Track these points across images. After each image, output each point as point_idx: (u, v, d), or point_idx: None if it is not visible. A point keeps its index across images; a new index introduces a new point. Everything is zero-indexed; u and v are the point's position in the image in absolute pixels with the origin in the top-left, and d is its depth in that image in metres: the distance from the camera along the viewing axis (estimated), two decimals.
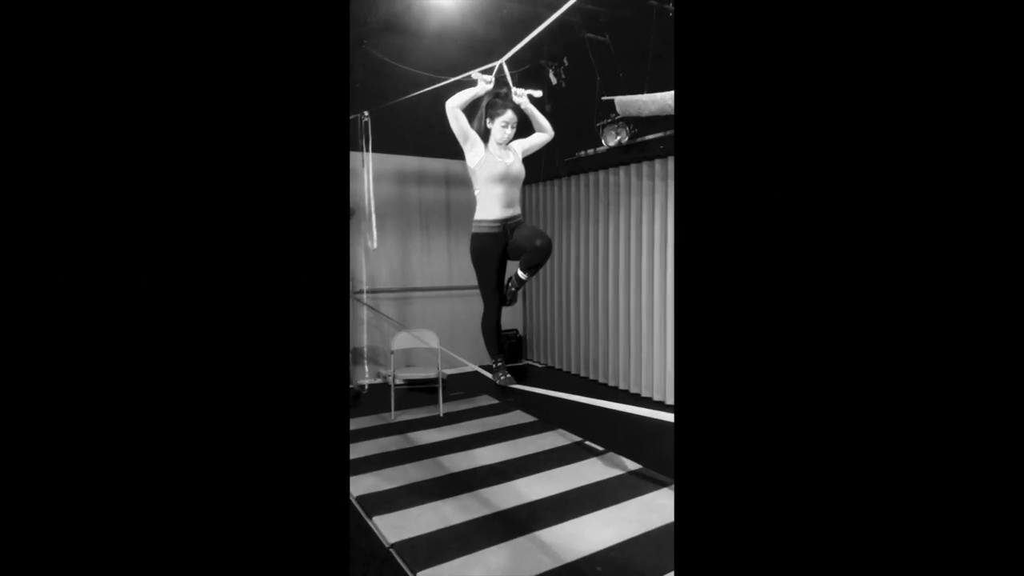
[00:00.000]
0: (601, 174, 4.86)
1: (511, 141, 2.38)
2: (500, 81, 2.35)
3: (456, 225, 5.48)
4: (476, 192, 2.38)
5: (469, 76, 2.37)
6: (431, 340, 4.35)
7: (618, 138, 4.27)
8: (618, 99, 3.92)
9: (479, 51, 3.32)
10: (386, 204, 5.04)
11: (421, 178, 5.37)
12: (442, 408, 4.27)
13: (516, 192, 2.40)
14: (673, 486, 2.93)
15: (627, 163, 4.55)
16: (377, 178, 4.61)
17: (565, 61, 4.70)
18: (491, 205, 2.34)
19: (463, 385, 4.92)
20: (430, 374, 4.53)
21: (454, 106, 2.22)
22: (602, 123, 4.35)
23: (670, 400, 4.33)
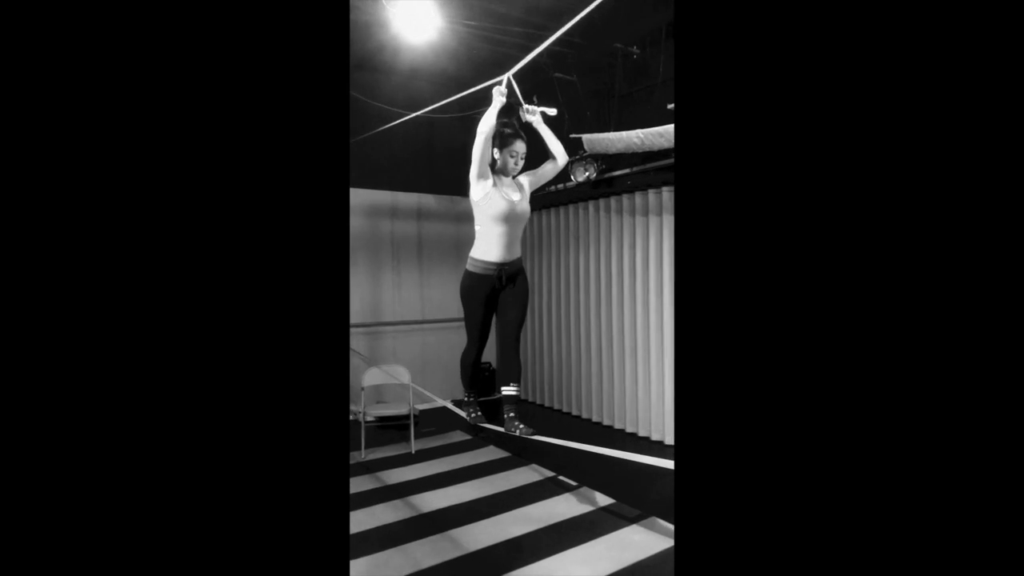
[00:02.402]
0: (571, 208, 4.94)
1: (519, 174, 2.26)
2: (512, 104, 2.16)
3: (428, 259, 5.46)
4: (477, 228, 2.25)
5: (490, 88, 2.19)
6: (402, 375, 4.28)
7: (587, 174, 4.36)
8: (586, 137, 4.02)
9: (451, 88, 3.38)
10: (358, 238, 5.01)
11: (394, 212, 5.37)
12: (414, 445, 4.18)
13: (519, 232, 2.26)
14: (646, 521, 2.90)
15: (596, 198, 4.65)
16: (350, 212, 4.59)
17: (535, 99, 4.80)
18: (490, 245, 2.22)
19: (436, 420, 4.82)
20: (401, 410, 4.44)
21: (485, 131, 2.04)
22: (571, 160, 4.43)
23: (643, 432, 4.32)
